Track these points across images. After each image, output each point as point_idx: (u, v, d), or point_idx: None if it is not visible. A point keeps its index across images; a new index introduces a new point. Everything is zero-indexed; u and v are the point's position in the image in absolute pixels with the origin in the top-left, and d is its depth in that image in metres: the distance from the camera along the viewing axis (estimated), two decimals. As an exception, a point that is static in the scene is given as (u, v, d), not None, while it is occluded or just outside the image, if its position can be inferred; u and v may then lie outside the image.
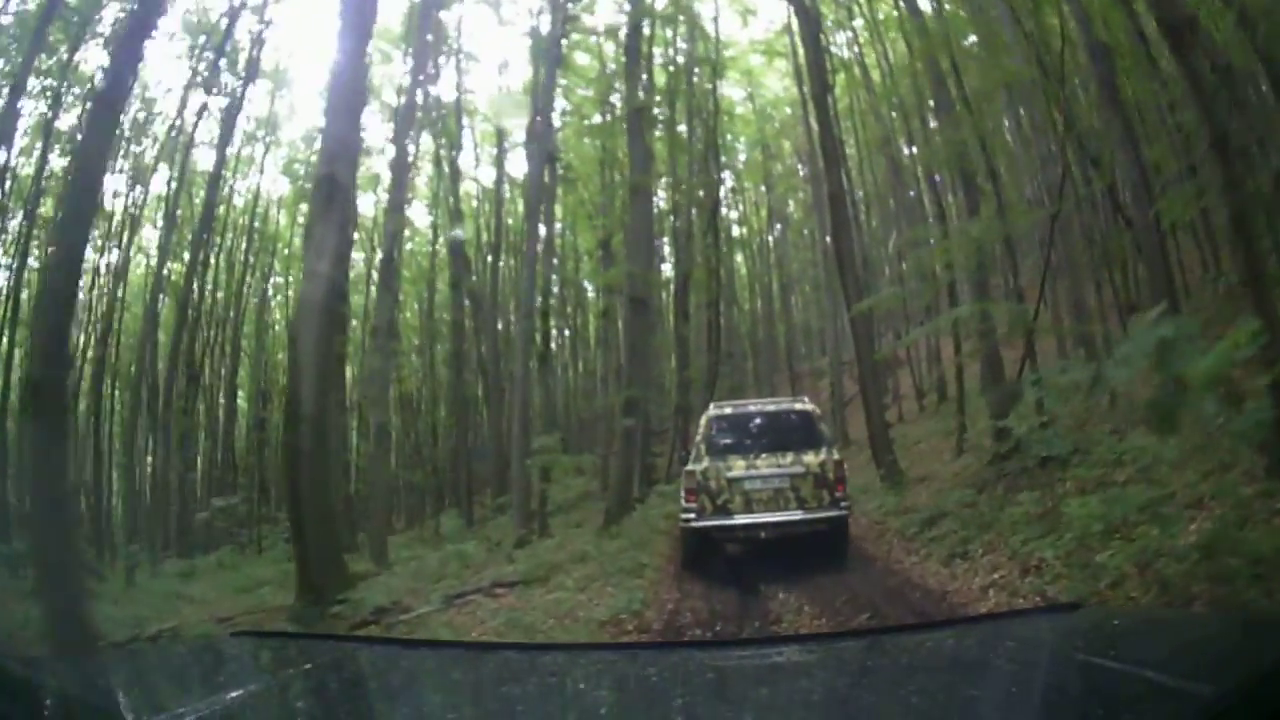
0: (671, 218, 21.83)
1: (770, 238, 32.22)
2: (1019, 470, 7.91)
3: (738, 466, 7.24)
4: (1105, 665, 1.17)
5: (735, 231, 32.06)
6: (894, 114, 21.14)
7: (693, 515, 7.15)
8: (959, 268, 12.70)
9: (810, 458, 7.24)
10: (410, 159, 17.41)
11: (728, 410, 8.14)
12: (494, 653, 2.13)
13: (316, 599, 6.65)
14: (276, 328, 24.75)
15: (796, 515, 7.06)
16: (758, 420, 7.94)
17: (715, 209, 21.38)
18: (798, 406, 8.21)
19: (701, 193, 20.53)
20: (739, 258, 32.92)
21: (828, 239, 22.42)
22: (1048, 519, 5.99)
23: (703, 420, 8.06)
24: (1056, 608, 2.12)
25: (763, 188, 30.76)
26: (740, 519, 7.10)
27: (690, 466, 7.46)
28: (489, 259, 23.52)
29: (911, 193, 22.72)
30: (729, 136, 25.97)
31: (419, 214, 24.44)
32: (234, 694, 1.36)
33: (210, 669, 1.65)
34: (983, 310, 9.99)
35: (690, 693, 1.39)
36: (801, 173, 29.96)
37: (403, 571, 9.77)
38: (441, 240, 22.28)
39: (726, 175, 28.77)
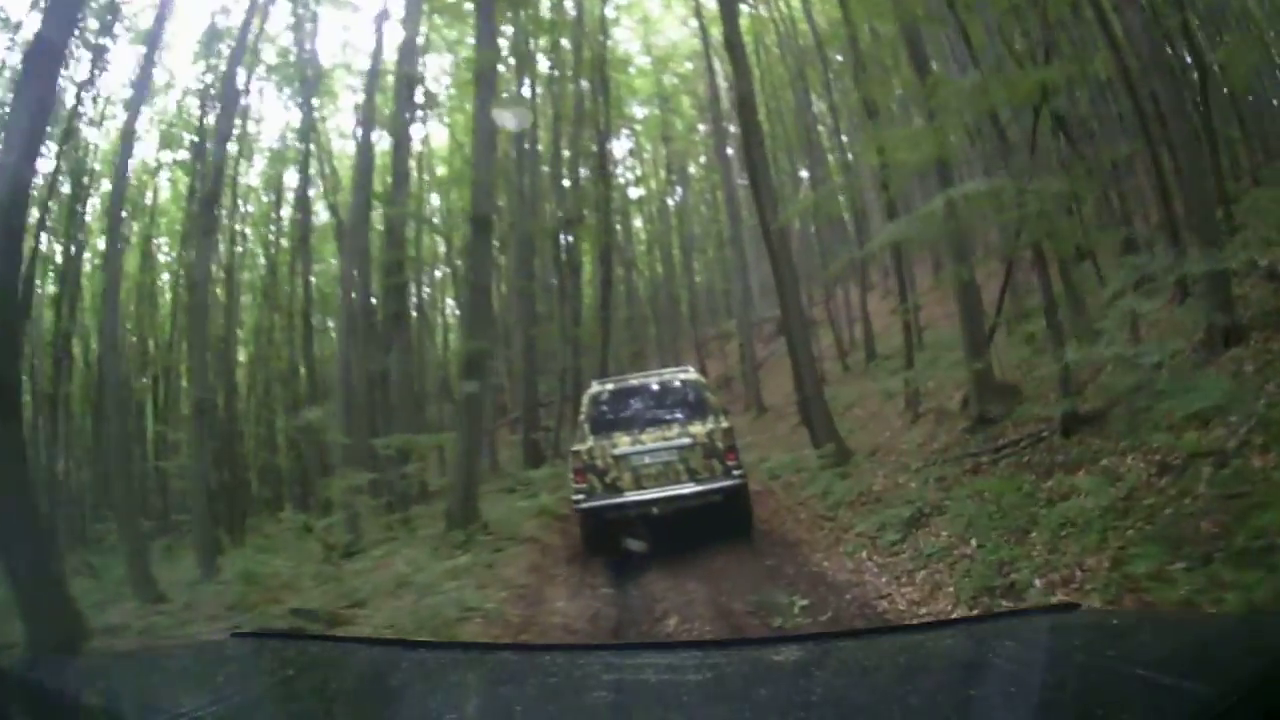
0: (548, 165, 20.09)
1: (671, 200, 31.38)
2: (1031, 440, 6.46)
3: (624, 443, 7.14)
4: (1105, 665, 1.17)
5: (634, 194, 31.24)
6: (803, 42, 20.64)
7: (583, 496, 7.07)
8: (914, 169, 10.15)
9: (697, 428, 7.16)
10: (242, 91, 15.25)
11: (610, 386, 8.03)
12: (494, 653, 2.13)
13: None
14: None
15: (689, 488, 6.97)
16: (642, 393, 7.84)
17: (604, 143, 19.94)
18: (682, 376, 8.08)
19: (593, 139, 19.35)
20: (638, 222, 32.32)
21: (737, 180, 21.85)
22: (1136, 514, 4.05)
23: (585, 398, 7.96)
24: (1056, 608, 2.13)
25: (662, 149, 29.87)
26: (631, 496, 7.00)
27: (576, 446, 7.36)
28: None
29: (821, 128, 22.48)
30: (624, 93, 24.84)
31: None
32: (234, 695, 1.36)
33: (210, 670, 1.65)
34: (995, 190, 6.87)
35: (690, 693, 1.39)
36: (702, 130, 29.28)
37: (174, 603, 7.66)
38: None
39: (625, 136, 28.13)
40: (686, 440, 7.09)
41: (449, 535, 8.69)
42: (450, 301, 30.49)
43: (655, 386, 7.97)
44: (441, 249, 26.74)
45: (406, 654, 1.86)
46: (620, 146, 29.42)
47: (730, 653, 1.78)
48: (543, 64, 20.16)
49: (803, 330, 10.68)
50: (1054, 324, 7.32)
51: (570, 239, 19.43)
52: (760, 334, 23.97)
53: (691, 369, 8.81)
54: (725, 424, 7.29)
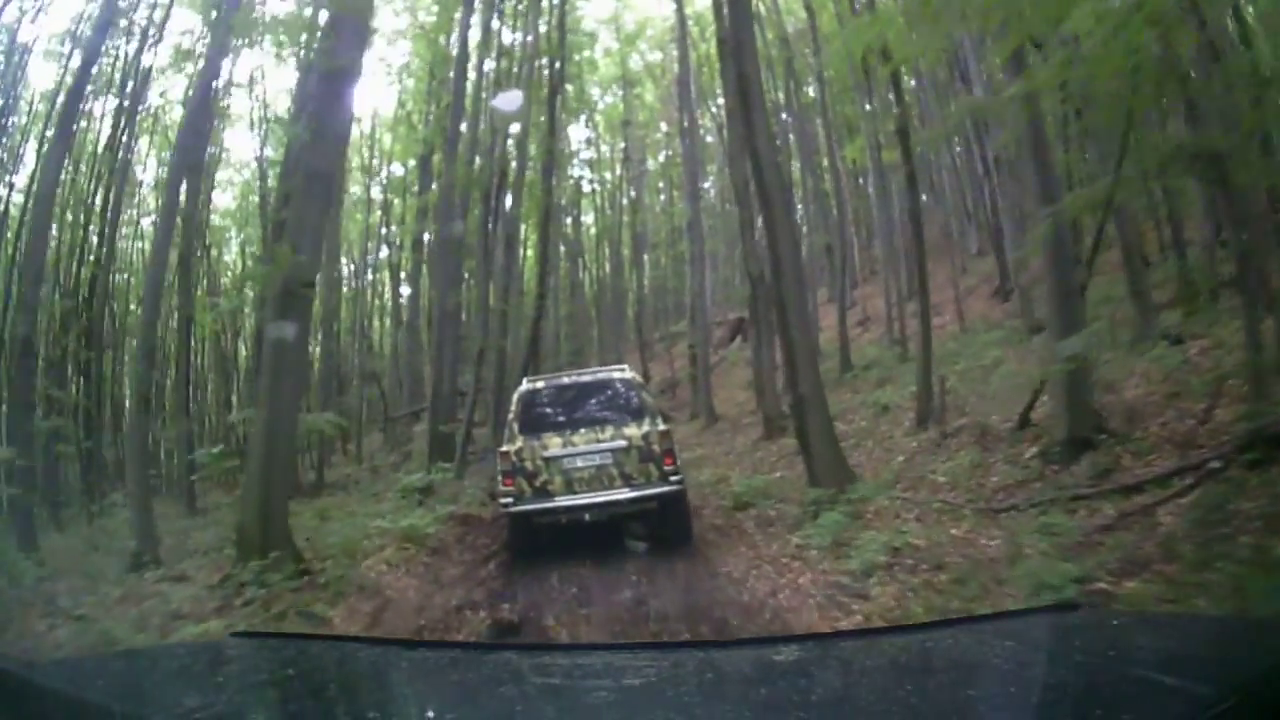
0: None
1: (624, 198, 29.63)
2: (1194, 472, 4.25)
3: (554, 444, 6.79)
4: (1105, 665, 1.17)
5: (587, 189, 30.39)
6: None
7: (510, 500, 6.72)
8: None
9: (632, 430, 6.80)
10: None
11: (541, 384, 7.66)
12: (494, 653, 2.13)
13: None
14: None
15: (623, 494, 6.62)
16: (574, 392, 7.43)
17: (555, 93, 17.33)
18: (616, 375, 7.69)
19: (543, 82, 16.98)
20: (589, 218, 31.52)
21: (698, 162, 20.36)
22: None
23: (515, 396, 7.58)
24: (1056, 608, 2.12)
25: (621, 142, 28.79)
26: (562, 500, 6.66)
27: (504, 447, 6.98)
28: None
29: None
30: (584, 70, 24.00)
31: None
32: (233, 694, 1.36)
33: (209, 669, 1.65)
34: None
35: (690, 693, 1.39)
36: (663, 129, 28.47)
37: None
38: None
39: (582, 121, 26.92)
40: (621, 443, 6.75)
41: (231, 574, 5.99)
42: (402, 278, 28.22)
43: (588, 384, 7.59)
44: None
45: (406, 654, 1.86)
46: (577, 134, 28.45)
47: (730, 653, 1.78)
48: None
49: (802, 308, 8.48)
50: (1248, 289, 5.27)
51: (508, 201, 16.95)
52: (710, 337, 22.35)
53: (628, 368, 8.43)
54: (663, 426, 7.00)
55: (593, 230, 31.71)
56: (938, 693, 1.25)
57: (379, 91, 30.74)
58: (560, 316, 28.50)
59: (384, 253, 28.50)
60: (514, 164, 17.03)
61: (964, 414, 8.37)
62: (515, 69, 17.90)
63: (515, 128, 17.20)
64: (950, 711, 1.15)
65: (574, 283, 29.61)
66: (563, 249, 28.35)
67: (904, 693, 1.29)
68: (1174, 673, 1.05)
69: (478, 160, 16.46)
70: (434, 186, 17.24)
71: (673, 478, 6.71)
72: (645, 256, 31.85)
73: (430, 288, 19.62)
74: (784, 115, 21.11)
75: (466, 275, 18.10)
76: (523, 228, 20.47)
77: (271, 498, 6.39)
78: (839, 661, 1.51)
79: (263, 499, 6.33)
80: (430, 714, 1.37)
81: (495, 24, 17.67)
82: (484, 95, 17.25)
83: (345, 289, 27.09)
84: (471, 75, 16.52)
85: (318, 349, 20.66)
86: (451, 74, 16.42)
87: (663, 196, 32.40)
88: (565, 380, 7.91)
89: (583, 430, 6.92)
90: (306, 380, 10.08)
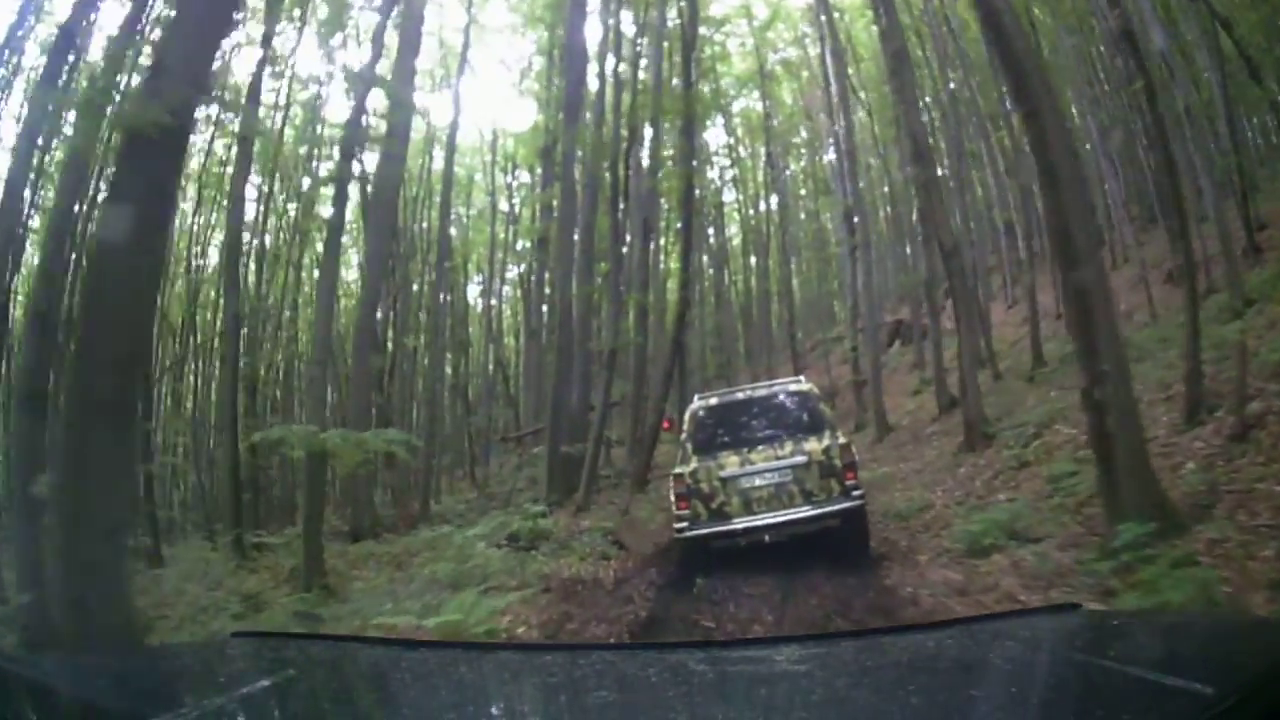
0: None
1: (767, 203, 29.04)
2: None
3: (731, 464, 6.57)
4: (1105, 665, 1.17)
5: (728, 196, 30.29)
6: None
7: (686, 524, 6.50)
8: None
9: (813, 445, 6.52)
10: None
11: (714, 401, 7.40)
12: (494, 653, 2.13)
13: None
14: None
15: (804, 512, 6.35)
16: (749, 408, 7.19)
17: (690, 48, 14.57)
18: (792, 387, 7.41)
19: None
20: (732, 229, 31.53)
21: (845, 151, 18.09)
22: None
23: (687, 414, 7.36)
24: (1056, 608, 2.12)
25: (761, 147, 28.10)
26: (740, 523, 6.42)
27: (678, 469, 6.78)
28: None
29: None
30: (718, 77, 23.58)
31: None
32: (234, 694, 1.36)
33: (210, 669, 1.65)
34: None
35: (690, 693, 1.39)
36: (803, 134, 27.91)
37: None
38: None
39: (719, 124, 26.30)
40: (801, 458, 6.44)
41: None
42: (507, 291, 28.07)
43: (763, 398, 7.28)
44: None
45: (406, 654, 1.86)
46: (715, 138, 27.94)
47: (730, 653, 1.78)
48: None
49: (1090, 249, 5.65)
50: None
51: (640, 185, 14.82)
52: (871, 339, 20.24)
53: (803, 379, 8.09)
54: (843, 439, 6.70)
55: (735, 241, 31.59)
56: (938, 693, 1.25)
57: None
58: (706, 331, 27.79)
59: (516, 270, 27.58)
60: (648, 127, 14.58)
61: (1251, 398, 6.03)
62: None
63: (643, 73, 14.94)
64: (950, 711, 1.15)
65: (719, 293, 29.08)
66: (706, 259, 27.98)
67: (904, 693, 1.29)
68: (1174, 673, 1.05)
69: (605, 129, 14.33)
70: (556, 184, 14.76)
71: (854, 492, 6.44)
72: (792, 261, 30.43)
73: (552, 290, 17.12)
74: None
75: (599, 280, 15.58)
76: (661, 219, 18.28)
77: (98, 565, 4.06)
78: (839, 661, 1.51)
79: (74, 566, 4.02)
80: (430, 714, 1.37)
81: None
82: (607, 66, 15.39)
83: (474, 306, 26.69)
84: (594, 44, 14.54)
85: (426, 360, 20.14)
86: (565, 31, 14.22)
87: (805, 203, 31.75)
88: (739, 395, 7.59)
89: (760, 447, 6.66)
90: (145, 339, 6.32)
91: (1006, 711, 1.10)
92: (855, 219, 18.46)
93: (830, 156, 25.02)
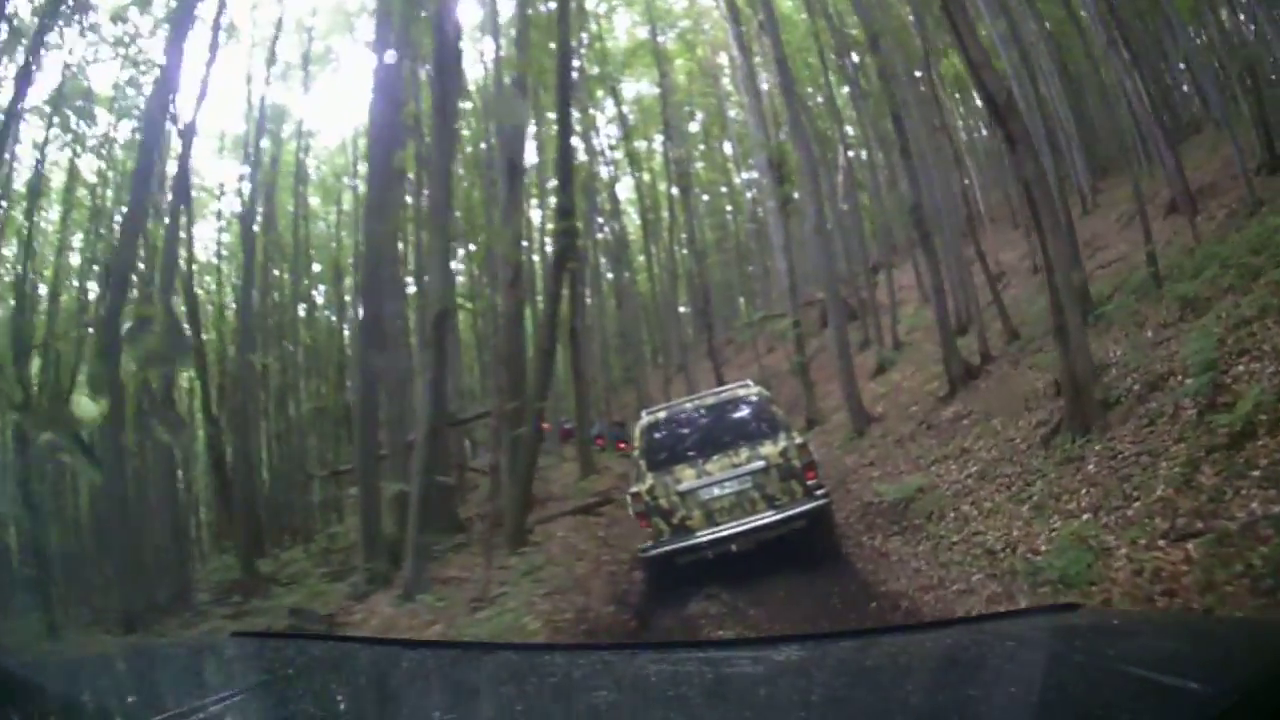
0: None
1: (671, 188, 27.62)
2: None
3: (688, 476, 6.48)
4: (1105, 665, 1.17)
5: (623, 194, 28.91)
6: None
7: (649, 544, 6.42)
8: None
9: (769, 449, 6.48)
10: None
11: (662, 414, 7.28)
12: (494, 653, 2.13)
13: None
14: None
15: (769, 518, 6.30)
16: (699, 417, 7.07)
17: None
18: (741, 392, 7.35)
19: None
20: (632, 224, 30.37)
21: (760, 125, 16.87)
22: None
23: (636, 430, 7.23)
24: (1056, 608, 2.12)
25: (658, 136, 27.21)
26: (704, 535, 6.31)
27: (634, 488, 6.64)
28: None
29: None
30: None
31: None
32: (234, 694, 1.36)
33: (210, 669, 1.65)
34: None
35: (690, 693, 1.39)
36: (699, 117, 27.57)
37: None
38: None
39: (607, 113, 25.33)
40: (759, 464, 6.40)
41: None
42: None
43: (715, 407, 7.21)
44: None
45: (406, 654, 1.86)
46: (607, 129, 26.95)
47: (730, 653, 1.78)
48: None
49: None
50: None
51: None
52: (812, 315, 18.72)
53: (750, 383, 7.98)
54: (799, 440, 6.66)
55: (635, 237, 30.34)
56: (938, 693, 1.24)
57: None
58: (609, 333, 26.82)
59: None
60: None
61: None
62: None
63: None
64: (950, 711, 1.15)
65: (620, 289, 27.08)
66: (604, 259, 26.39)
67: (904, 693, 1.29)
68: (1174, 673, 1.05)
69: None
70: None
71: (817, 492, 6.43)
72: (700, 251, 27.89)
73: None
74: None
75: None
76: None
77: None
78: (839, 661, 1.51)
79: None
80: (430, 714, 1.37)
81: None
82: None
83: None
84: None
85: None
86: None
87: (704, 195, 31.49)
88: (688, 405, 7.49)
89: (716, 457, 6.57)
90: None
91: (1006, 711, 1.10)
92: (780, 167, 15.23)
93: (734, 113, 24.81)
